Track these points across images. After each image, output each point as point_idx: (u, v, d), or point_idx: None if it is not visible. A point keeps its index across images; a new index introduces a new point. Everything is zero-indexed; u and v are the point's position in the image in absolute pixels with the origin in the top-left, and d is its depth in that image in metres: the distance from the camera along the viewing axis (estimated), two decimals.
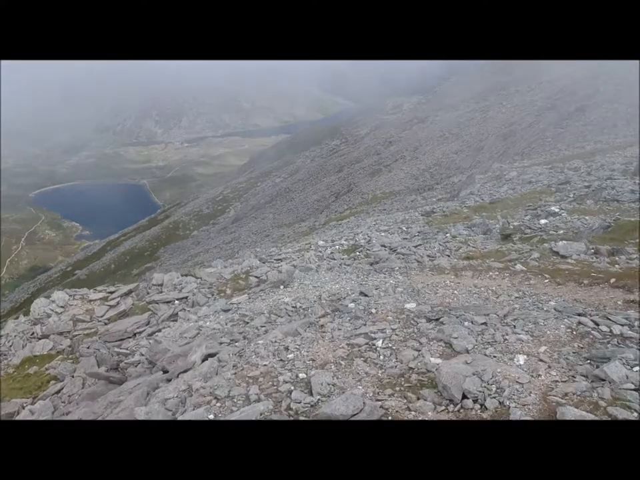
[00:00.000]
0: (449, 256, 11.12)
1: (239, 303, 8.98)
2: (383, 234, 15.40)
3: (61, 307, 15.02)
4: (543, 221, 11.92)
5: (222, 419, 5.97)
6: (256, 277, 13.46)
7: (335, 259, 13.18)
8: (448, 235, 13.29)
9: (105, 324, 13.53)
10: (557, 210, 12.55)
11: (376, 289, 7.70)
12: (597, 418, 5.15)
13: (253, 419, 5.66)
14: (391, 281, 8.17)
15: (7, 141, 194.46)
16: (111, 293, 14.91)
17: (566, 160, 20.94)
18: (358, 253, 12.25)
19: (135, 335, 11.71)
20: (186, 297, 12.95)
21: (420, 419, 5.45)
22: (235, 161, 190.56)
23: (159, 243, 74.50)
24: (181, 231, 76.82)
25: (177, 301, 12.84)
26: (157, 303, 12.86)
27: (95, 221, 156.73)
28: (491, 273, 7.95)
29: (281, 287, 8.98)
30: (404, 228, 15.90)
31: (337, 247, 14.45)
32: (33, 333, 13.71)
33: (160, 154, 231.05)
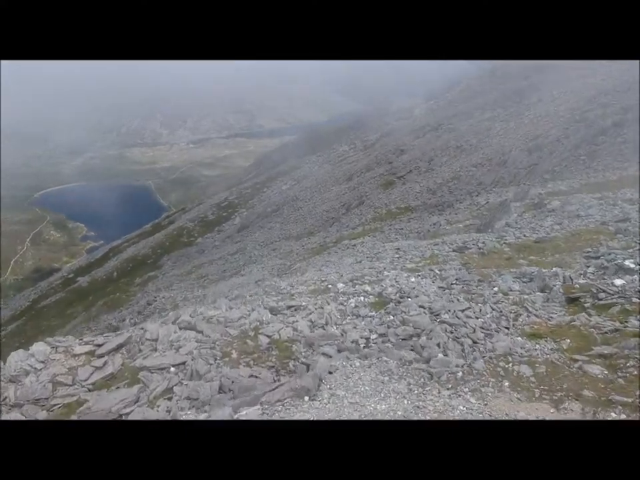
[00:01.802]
0: (507, 328, 9.03)
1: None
2: (413, 279, 13.32)
3: (41, 361, 13.07)
4: (618, 282, 9.78)
5: (221, 419, 6.04)
6: (267, 335, 11.41)
7: (361, 316, 11.13)
8: (496, 289, 11.19)
9: (89, 390, 11.57)
10: (631, 266, 10.41)
11: None
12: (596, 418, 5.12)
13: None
14: (462, 407, 6.09)
15: (8, 142, 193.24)
16: (99, 345, 12.92)
17: (613, 187, 18.78)
18: (392, 317, 10.13)
19: (120, 416, 9.66)
20: (184, 362, 10.91)
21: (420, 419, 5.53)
22: (240, 162, 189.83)
23: (163, 250, 72.64)
24: (185, 237, 74.93)
25: (172, 368, 10.80)
26: (149, 371, 10.80)
27: (100, 221, 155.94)
28: (613, 414, 5.81)
29: (306, 397, 6.90)
30: (437, 270, 13.81)
31: (362, 297, 12.34)
32: (5, 398, 11.73)
33: (165, 155, 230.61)
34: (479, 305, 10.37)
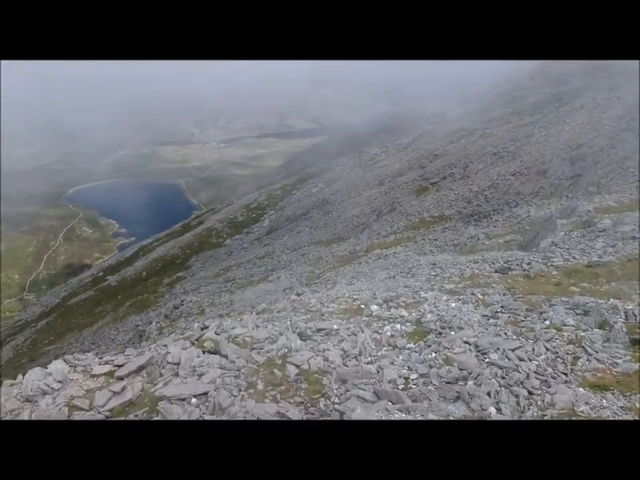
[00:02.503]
0: (565, 375, 8.04)
1: None
2: (453, 304, 12.42)
3: (59, 381, 12.52)
4: None
5: (221, 419, 6.31)
6: (295, 365, 10.62)
7: (398, 347, 10.29)
8: (547, 322, 10.18)
9: (106, 417, 10.93)
10: None
11: None
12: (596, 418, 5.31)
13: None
14: None
15: (45, 139, 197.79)
16: (119, 366, 12.33)
17: None
18: (434, 354, 9.21)
19: None
20: (206, 393, 10.19)
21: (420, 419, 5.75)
22: (271, 162, 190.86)
23: (192, 251, 72.89)
24: (214, 238, 74.99)
25: (193, 399, 10.09)
26: (169, 401, 10.09)
27: (131, 219, 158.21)
28: None
29: None
30: (479, 295, 12.86)
31: (398, 324, 11.47)
32: None
33: (197, 154, 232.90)
34: (530, 341, 9.41)
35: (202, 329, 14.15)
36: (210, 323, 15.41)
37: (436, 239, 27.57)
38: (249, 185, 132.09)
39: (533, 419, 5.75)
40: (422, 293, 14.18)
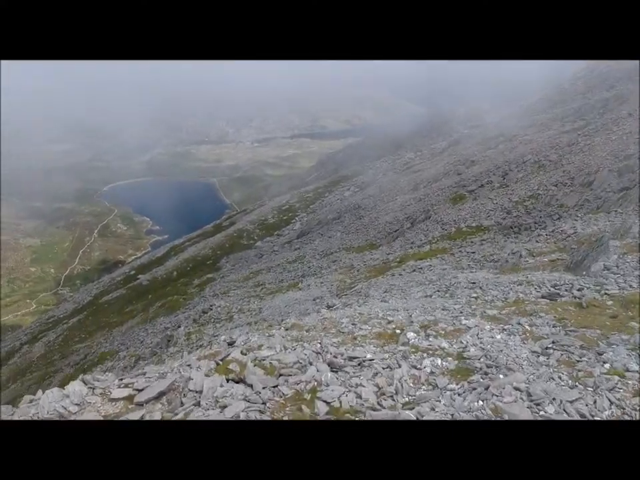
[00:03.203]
0: None
1: None
2: (498, 336, 11.46)
3: (76, 404, 11.99)
4: None
5: (221, 419, 6.40)
6: (326, 401, 9.79)
7: (439, 387, 9.39)
8: (607, 366, 9.13)
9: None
10: None
11: None
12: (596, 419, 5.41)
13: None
14: None
15: (81, 137, 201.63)
16: (139, 390, 11.73)
17: None
18: (480, 403, 8.27)
19: None
20: None
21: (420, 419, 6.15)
22: (303, 162, 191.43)
23: (222, 252, 72.86)
24: (245, 240, 74.85)
25: None
26: None
27: (165, 216, 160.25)
28: None
29: None
30: (526, 326, 11.85)
31: (439, 358, 10.56)
32: None
33: (230, 153, 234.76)
34: (589, 389, 8.38)
35: (228, 344, 13.52)
36: (237, 336, 14.76)
37: (474, 252, 26.39)
38: (281, 185, 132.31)
39: (532, 419, 5.78)
40: (462, 318, 13.25)
